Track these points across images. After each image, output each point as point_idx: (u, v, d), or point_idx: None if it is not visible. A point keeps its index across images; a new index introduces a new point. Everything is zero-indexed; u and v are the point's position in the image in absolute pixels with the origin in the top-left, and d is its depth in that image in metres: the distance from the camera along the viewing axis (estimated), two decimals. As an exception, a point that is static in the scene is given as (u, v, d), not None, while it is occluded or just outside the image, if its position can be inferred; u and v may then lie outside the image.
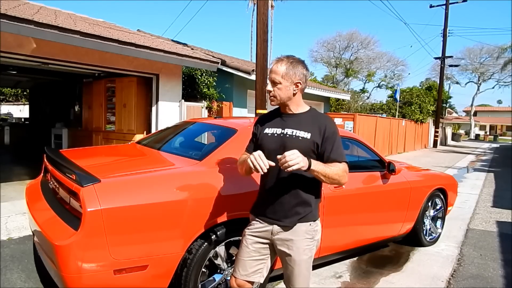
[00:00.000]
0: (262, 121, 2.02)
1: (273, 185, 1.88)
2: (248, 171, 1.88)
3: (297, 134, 1.82)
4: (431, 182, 4.11)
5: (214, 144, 2.84)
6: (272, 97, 1.87)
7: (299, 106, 1.89)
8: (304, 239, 1.85)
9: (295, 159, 1.59)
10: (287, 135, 1.84)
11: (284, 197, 1.86)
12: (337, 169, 1.75)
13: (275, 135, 1.88)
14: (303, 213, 1.85)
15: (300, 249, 1.84)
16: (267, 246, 1.94)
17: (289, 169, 1.59)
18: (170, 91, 7.13)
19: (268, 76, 1.88)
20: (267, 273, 1.99)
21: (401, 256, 3.84)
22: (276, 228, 1.88)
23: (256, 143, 1.99)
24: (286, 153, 1.60)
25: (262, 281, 1.97)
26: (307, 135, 1.81)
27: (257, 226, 1.94)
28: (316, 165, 1.69)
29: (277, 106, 1.96)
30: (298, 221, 1.85)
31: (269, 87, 1.86)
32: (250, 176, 2.43)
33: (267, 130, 1.93)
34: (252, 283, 1.94)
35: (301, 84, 1.85)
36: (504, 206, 6.37)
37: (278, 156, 1.63)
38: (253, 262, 1.92)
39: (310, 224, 1.87)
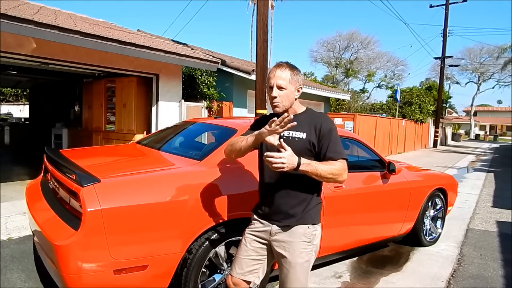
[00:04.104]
0: (262, 122, 1.99)
1: (272, 185, 1.88)
2: (236, 152, 1.91)
3: (293, 135, 1.83)
4: (431, 182, 4.11)
5: (214, 144, 2.84)
6: (277, 103, 1.83)
7: (297, 109, 1.91)
8: (301, 241, 1.84)
9: (279, 160, 1.59)
10: (284, 137, 1.83)
11: (283, 197, 1.85)
12: (330, 168, 1.72)
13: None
14: (301, 215, 1.85)
15: (296, 251, 1.83)
16: (265, 247, 1.94)
17: (277, 169, 1.61)
18: (170, 91, 7.13)
19: (270, 83, 1.83)
20: (263, 275, 1.98)
21: (401, 256, 3.84)
22: (274, 228, 1.88)
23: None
24: (273, 154, 1.61)
25: (257, 283, 1.96)
26: (303, 135, 1.82)
27: (257, 226, 1.95)
28: (306, 166, 1.67)
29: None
30: (296, 222, 1.85)
31: (274, 93, 1.81)
32: (250, 176, 2.45)
33: None
34: (248, 282, 1.93)
35: (301, 89, 1.90)
36: (504, 206, 6.38)
37: (266, 153, 1.63)
38: (250, 261, 1.93)
39: (308, 227, 1.86)
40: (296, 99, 1.88)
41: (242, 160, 2.48)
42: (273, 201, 1.88)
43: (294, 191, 1.84)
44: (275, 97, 1.82)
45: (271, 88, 1.83)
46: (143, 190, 2.15)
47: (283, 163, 1.60)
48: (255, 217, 1.99)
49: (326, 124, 1.83)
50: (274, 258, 1.97)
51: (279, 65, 1.86)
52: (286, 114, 1.61)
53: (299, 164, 1.65)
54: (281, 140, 1.69)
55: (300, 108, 1.92)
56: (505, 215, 5.79)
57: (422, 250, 4.00)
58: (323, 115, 1.92)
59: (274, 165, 1.60)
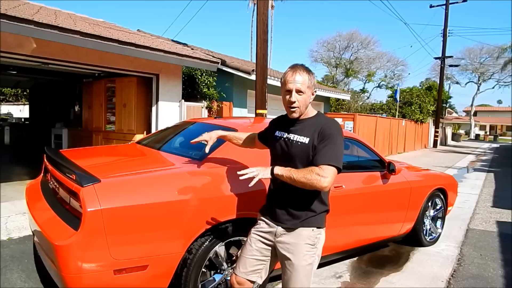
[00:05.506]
0: (276, 122, 2.07)
1: (279, 187, 1.91)
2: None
3: (296, 139, 1.84)
4: (431, 182, 4.11)
5: (214, 144, 2.83)
6: (296, 108, 1.81)
7: (309, 112, 1.90)
8: (305, 244, 1.85)
9: (247, 174, 1.79)
10: (289, 140, 1.87)
11: (289, 200, 1.87)
12: (305, 172, 1.70)
13: (281, 139, 1.92)
14: (306, 217, 1.86)
15: (300, 254, 1.84)
16: (269, 248, 1.95)
17: (247, 180, 1.79)
18: (170, 91, 7.13)
19: (287, 87, 1.80)
20: (266, 275, 1.99)
21: (401, 256, 3.84)
22: (279, 230, 1.90)
23: (266, 140, 2.10)
24: (244, 171, 1.80)
25: (260, 282, 1.98)
26: (305, 140, 1.82)
27: (263, 226, 1.97)
28: (280, 171, 1.77)
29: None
30: (300, 224, 1.85)
31: (293, 98, 1.78)
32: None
33: (277, 133, 1.97)
34: (252, 282, 1.94)
35: (315, 92, 1.91)
36: (504, 206, 6.37)
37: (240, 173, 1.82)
38: (254, 261, 1.94)
39: (313, 230, 1.87)
40: (310, 102, 1.87)
41: (242, 160, 2.49)
42: (281, 203, 1.91)
43: (301, 195, 1.84)
44: (294, 102, 1.79)
45: (289, 92, 1.80)
46: (143, 190, 2.15)
47: (252, 172, 1.79)
48: (261, 217, 2.01)
49: (329, 128, 1.80)
50: (277, 259, 1.97)
51: (296, 68, 1.81)
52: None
53: (272, 170, 1.79)
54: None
55: (312, 112, 1.92)
56: (505, 215, 5.79)
57: (422, 250, 4.00)
58: (331, 120, 1.88)
59: (248, 176, 1.79)
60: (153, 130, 6.86)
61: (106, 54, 5.70)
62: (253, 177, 1.78)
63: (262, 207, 2.06)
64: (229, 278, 2.38)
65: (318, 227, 1.88)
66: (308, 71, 1.83)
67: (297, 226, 1.85)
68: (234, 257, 2.48)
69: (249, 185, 1.79)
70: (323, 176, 1.67)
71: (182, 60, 6.59)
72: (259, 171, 1.79)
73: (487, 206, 6.45)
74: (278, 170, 1.77)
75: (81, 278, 1.94)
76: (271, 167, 1.80)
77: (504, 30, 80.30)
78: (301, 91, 1.79)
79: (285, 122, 1.95)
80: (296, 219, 1.86)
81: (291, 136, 1.87)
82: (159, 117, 6.95)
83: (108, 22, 8.61)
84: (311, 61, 37.08)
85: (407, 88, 23.41)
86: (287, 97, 1.81)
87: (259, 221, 2.02)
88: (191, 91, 8.18)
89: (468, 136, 45.20)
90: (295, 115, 1.84)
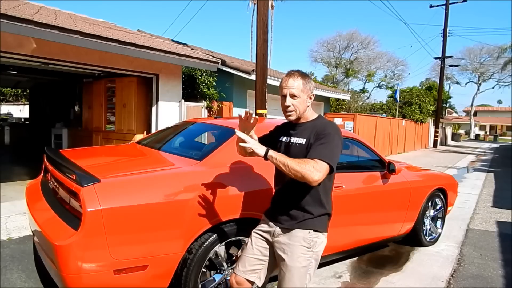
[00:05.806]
0: (281, 128, 2.11)
1: (281, 189, 1.96)
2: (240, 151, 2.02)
3: (295, 141, 1.90)
4: (431, 182, 4.11)
5: (214, 144, 2.84)
6: (292, 112, 1.87)
7: (308, 116, 1.94)
8: (300, 245, 1.85)
9: (247, 142, 1.72)
10: (290, 143, 1.92)
11: (289, 201, 1.90)
12: (300, 161, 1.69)
13: (285, 143, 1.97)
14: (303, 218, 1.86)
15: (294, 255, 1.84)
16: (268, 248, 1.97)
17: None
18: (170, 91, 7.13)
19: (282, 92, 1.87)
20: (265, 276, 2.00)
21: (401, 256, 3.84)
22: (277, 230, 1.92)
23: (271, 143, 2.06)
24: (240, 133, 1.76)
25: (259, 284, 1.98)
26: (303, 141, 1.86)
27: (263, 226, 2.00)
28: (274, 153, 1.73)
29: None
30: (297, 225, 1.86)
31: (287, 102, 1.85)
32: (250, 176, 2.45)
33: (281, 138, 2.01)
34: (251, 282, 1.95)
35: (313, 96, 1.94)
36: (504, 206, 6.37)
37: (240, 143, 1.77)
38: (254, 260, 1.95)
39: (309, 232, 1.86)
40: (308, 106, 1.92)
41: (242, 160, 2.49)
42: (281, 203, 1.95)
43: (300, 197, 1.86)
44: (289, 106, 1.86)
45: (284, 97, 1.87)
46: (143, 190, 2.15)
47: (250, 143, 1.72)
48: (264, 217, 2.04)
49: (325, 128, 1.83)
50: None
51: (291, 74, 1.88)
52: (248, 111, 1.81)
53: (267, 151, 1.73)
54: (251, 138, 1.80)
55: (312, 115, 1.96)
56: (505, 215, 5.79)
57: (422, 250, 4.00)
58: (328, 122, 1.93)
59: (244, 144, 1.73)
60: (153, 130, 6.86)
61: (106, 54, 5.70)
62: (244, 141, 1.73)
63: (267, 209, 2.08)
64: (229, 278, 2.38)
65: (315, 230, 1.87)
66: (303, 76, 1.87)
67: (294, 227, 1.87)
68: (234, 257, 2.48)
69: (237, 137, 1.76)
70: (316, 169, 1.67)
71: (182, 60, 6.60)
72: (255, 143, 1.75)
73: (487, 206, 6.45)
74: (273, 153, 1.74)
75: (81, 278, 1.94)
76: (266, 148, 1.75)
77: (504, 30, 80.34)
78: (295, 96, 1.84)
79: (288, 127, 2.01)
80: (293, 220, 1.87)
81: (292, 139, 1.93)
82: (159, 117, 6.95)
83: (108, 22, 8.61)
84: (311, 61, 37.25)
85: (407, 88, 23.42)
86: (282, 101, 1.89)
87: (261, 221, 2.05)
88: (191, 91, 8.18)
89: (468, 136, 45.21)
90: (292, 118, 1.90)
